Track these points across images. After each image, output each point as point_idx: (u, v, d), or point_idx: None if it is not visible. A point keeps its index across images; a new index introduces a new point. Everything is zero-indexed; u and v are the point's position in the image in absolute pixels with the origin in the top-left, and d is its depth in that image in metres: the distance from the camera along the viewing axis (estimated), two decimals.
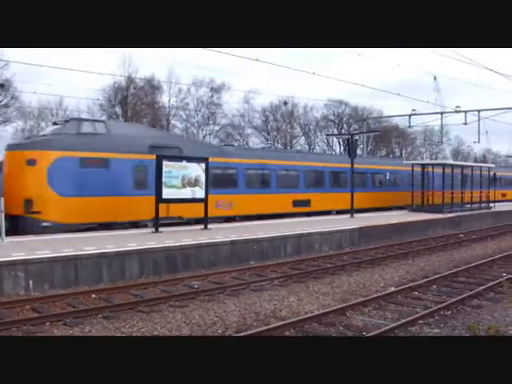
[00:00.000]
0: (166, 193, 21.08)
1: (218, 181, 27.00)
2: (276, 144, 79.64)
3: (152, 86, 67.65)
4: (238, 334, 10.30)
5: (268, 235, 20.79)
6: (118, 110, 65.58)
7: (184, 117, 72.59)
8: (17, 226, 20.10)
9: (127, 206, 22.58)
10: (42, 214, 20.93)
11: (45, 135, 23.59)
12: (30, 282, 14.31)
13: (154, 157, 21.54)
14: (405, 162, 44.92)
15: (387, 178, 41.26)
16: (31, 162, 21.35)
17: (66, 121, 24.61)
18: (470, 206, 39.90)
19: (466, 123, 45.91)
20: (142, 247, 16.98)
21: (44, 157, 21.46)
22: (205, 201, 22.65)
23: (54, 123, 25.65)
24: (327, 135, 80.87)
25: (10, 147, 22.76)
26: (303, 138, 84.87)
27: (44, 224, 20.79)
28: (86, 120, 25.07)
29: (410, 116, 48.95)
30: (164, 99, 70.25)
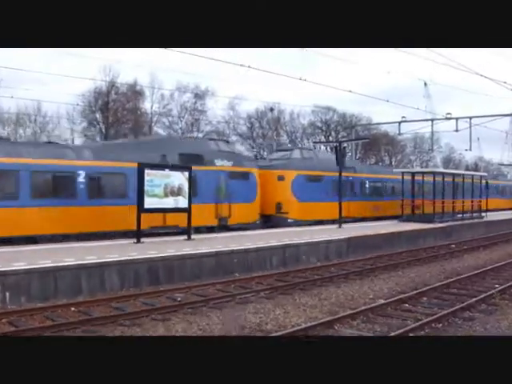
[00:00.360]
0: (148, 202, 21.05)
1: (376, 191, 40.46)
2: (262, 152, 79.51)
3: (134, 92, 67.46)
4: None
5: (254, 246, 20.82)
6: (98, 116, 65.36)
7: (167, 123, 72.46)
8: (270, 222, 31.48)
9: (330, 208, 32.53)
10: (288, 214, 32.60)
11: (274, 159, 35.72)
12: (7, 294, 14.23)
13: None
14: (395, 170, 45.06)
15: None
16: (281, 178, 33.11)
17: (291, 149, 38.16)
18: (461, 215, 40.13)
19: (457, 130, 46.13)
20: (123, 258, 16.96)
21: (289, 174, 33.32)
22: (188, 210, 22.64)
23: (279, 150, 40.09)
24: (314, 143, 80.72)
25: (262, 167, 32.64)
26: (290, 145, 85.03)
27: (289, 221, 32.30)
28: (304, 149, 39.61)
29: (399, 123, 49.10)
30: (146, 105, 70.18)
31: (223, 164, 28.63)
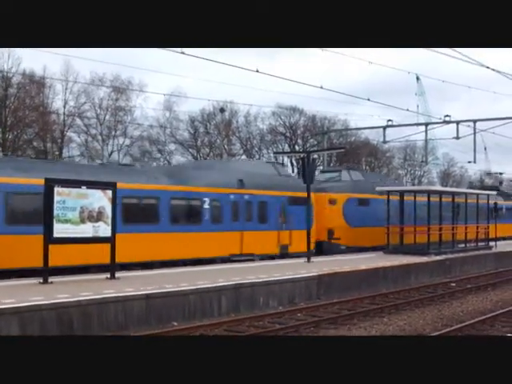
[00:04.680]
0: (59, 229, 20.71)
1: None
2: None
3: (38, 83, 66.32)
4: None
5: (195, 287, 20.73)
6: None
7: (84, 128, 71.48)
8: (322, 248, 37.41)
9: (379, 234, 37.62)
10: (341, 240, 38.50)
11: (325, 181, 41.30)
12: None
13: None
14: (378, 188, 43.95)
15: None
16: (333, 202, 39.22)
17: (339, 170, 43.98)
18: (463, 245, 40.60)
19: (458, 137, 46.63)
20: (23, 304, 16.65)
21: (341, 198, 39.55)
22: (111, 241, 22.30)
23: (323, 171, 46.17)
24: (275, 153, 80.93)
25: (316, 190, 36.76)
26: (244, 156, 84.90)
27: (341, 247, 38.11)
28: (353, 169, 45.34)
29: (384, 128, 49.38)
30: (58, 103, 69.23)
31: (284, 189, 34.82)
